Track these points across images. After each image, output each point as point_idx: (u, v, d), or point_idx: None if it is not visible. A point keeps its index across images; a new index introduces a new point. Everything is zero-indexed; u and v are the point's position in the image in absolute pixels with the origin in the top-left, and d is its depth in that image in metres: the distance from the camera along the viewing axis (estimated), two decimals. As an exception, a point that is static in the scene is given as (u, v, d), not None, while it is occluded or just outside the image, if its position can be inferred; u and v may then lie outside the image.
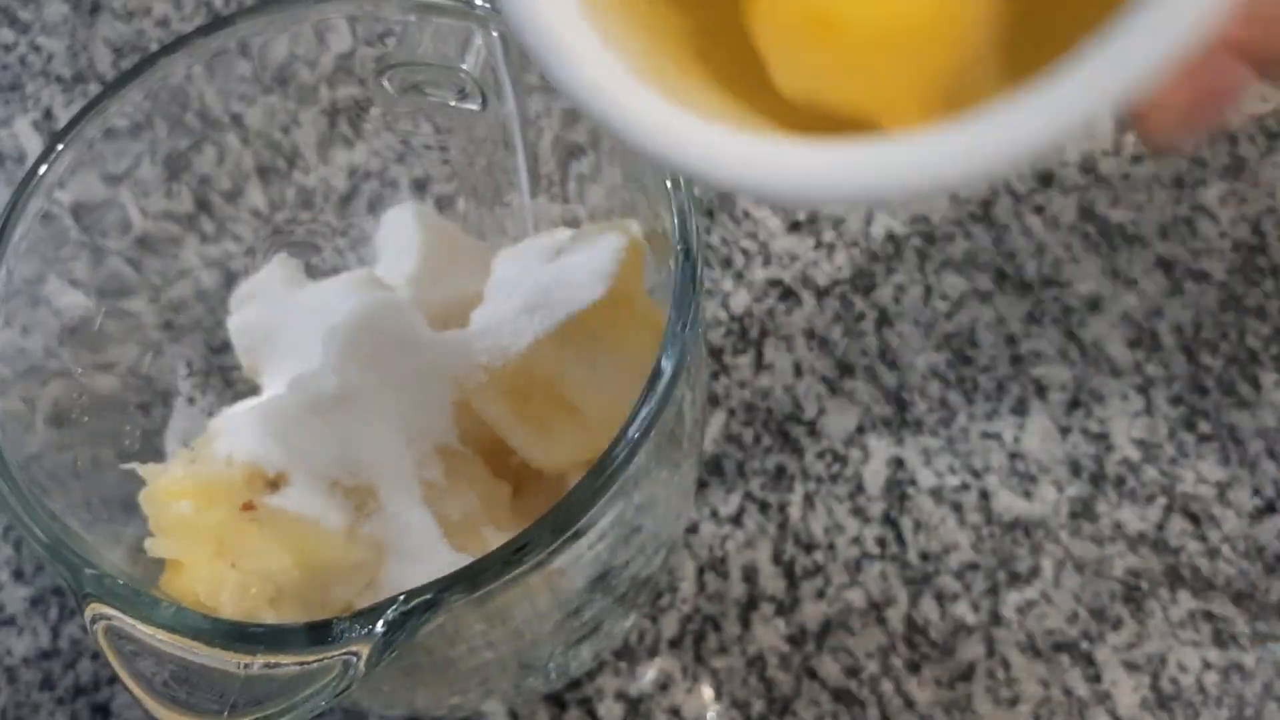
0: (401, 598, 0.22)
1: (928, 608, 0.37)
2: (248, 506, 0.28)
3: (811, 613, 0.37)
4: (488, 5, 0.30)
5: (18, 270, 0.28)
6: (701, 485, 0.39)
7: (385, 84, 0.32)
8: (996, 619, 0.36)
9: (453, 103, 0.32)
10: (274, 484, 0.29)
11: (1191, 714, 0.35)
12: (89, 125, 0.30)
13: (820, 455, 0.39)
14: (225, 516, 0.28)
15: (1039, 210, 0.43)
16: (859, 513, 0.38)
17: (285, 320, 0.33)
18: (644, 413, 0.24)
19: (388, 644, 0.22)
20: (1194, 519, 0.38)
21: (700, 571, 0.38)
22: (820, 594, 0.37)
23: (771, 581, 0.37)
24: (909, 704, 0.35)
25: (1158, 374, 0.40)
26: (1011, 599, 0.37)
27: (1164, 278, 0.42)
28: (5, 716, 0.36)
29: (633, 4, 0.20)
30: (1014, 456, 0.39)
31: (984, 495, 0.38)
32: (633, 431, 0.24)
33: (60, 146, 0.29)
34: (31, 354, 0.29)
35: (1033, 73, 0.16)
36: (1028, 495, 0.38)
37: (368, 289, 0.33)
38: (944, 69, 0.18)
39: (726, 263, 0.43)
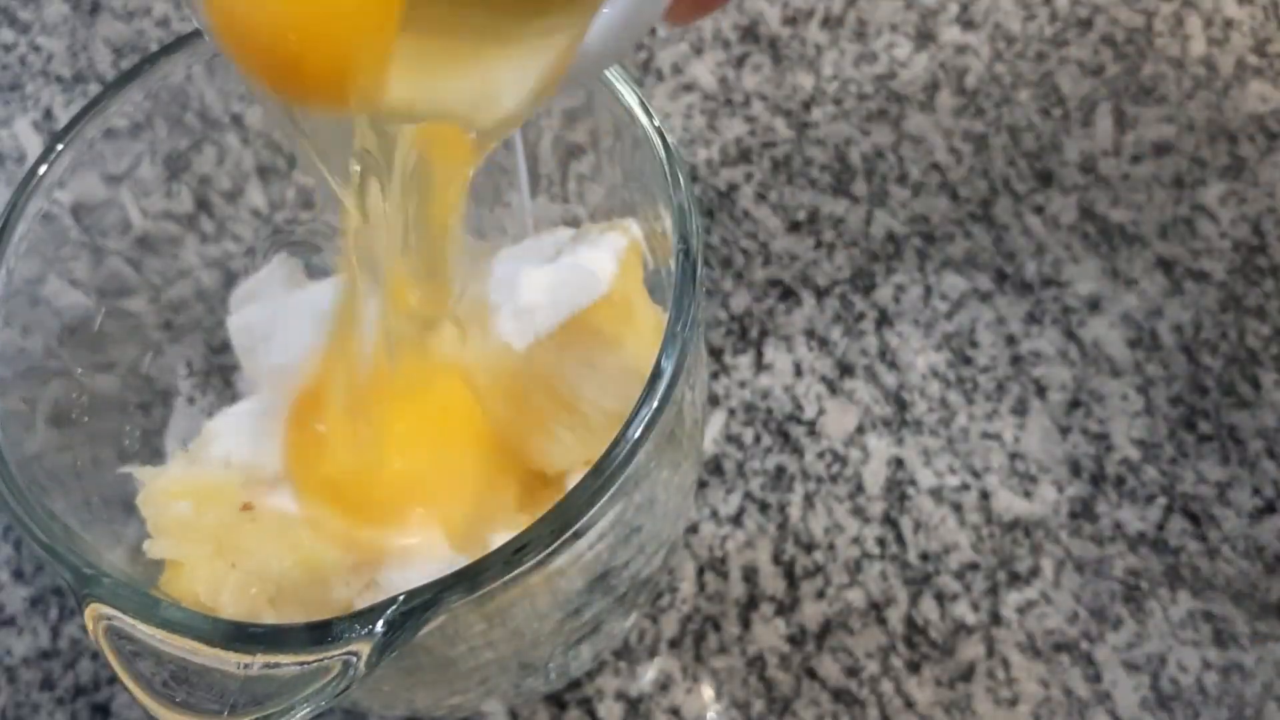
0: (401, 598, 0.22)
1: (928, 608, 0.37)
2: (246, 507, 0.28)
3: (811, 613, 0.37)
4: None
5: (18, 270, 0.28)
6: (701, 485, 0.39)
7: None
8: (996, 619, 0.36)
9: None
10: (273, 484, 0.29)
11: (1191, 714, 0.35)
12: (89, 125, 0.29)
13: (820, 455, 0.39)
14: (224, 517, 0.28)
15: (1039, 210, 0.43)
16: (859, 513, 0.38)
17: (285, 321, 0.33)
18: (644, 413, 0.24)
19: (388, 644, 0.22)
20: (1194, 519, 0.38)
21: (700, 571, 0.38)
22: (820, 594, 0.37)
23: (771, 581, 0.37)
24: (909, 704, 0.35)
25: (1158, 374, 0.40)
26: (1011, 599, 0.37)
27: (1164, 278, 0.42)
28: (5, 716, 0.36)
29: None
30: (1014, 456, 0.39)
31: (984, 495, 0.38)
32: (633, 431, 0.24)
33: (60, 146, 0.29)
34: (31, 354, 0.29)
35: None
36: (1028, 495, 0.38)
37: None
38: None
39: (726, 263, 0.43)
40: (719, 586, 0.37)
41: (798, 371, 0.41)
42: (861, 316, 0.42)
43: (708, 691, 0.36)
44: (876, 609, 0.37)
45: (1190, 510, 0.38)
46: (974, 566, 0.37)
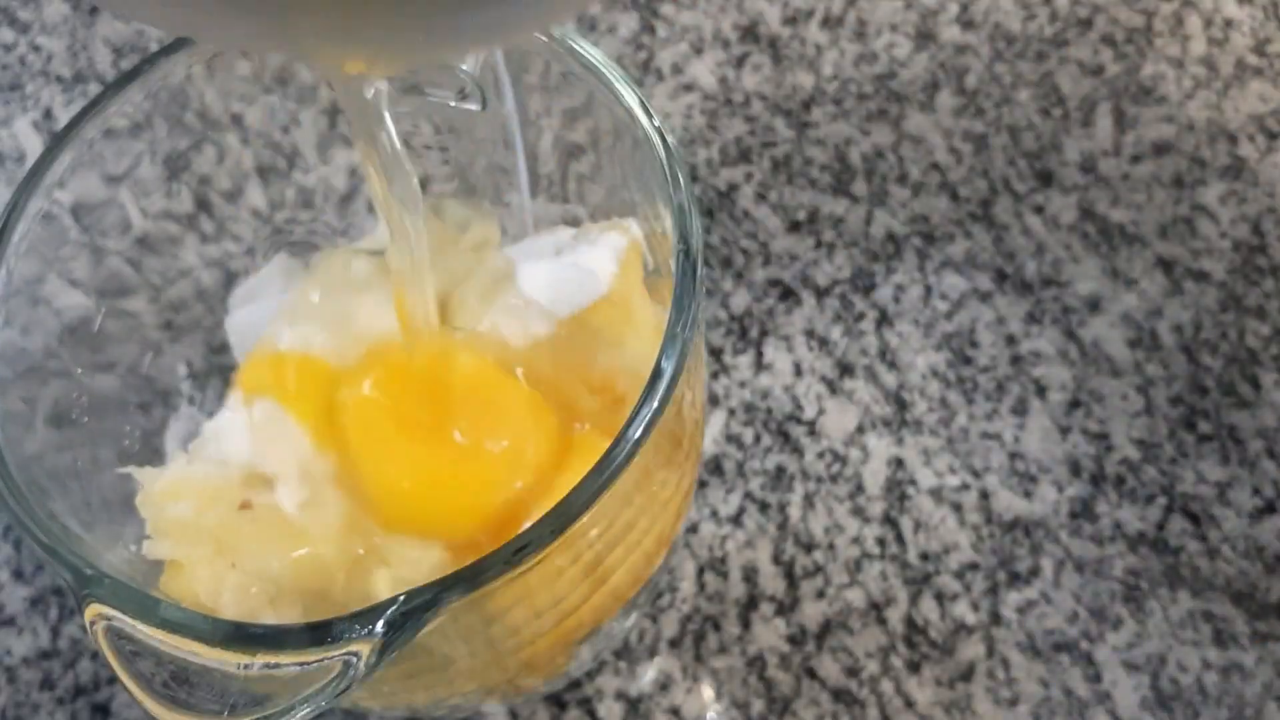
0: (401, 598, 0.22)
1: (928, 608, 0.37)
2: (245, 506, 0.28)
3: (811, 613, 0.37)
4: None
5: (18, 270, 0.28)
6: (701, 485, 0.39)
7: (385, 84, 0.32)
8: (996, 619, 0.36)
9: (453, 103, 0.32)
10: (271, 483, 0.29)
11: (1191, 714, 0.35)
12: (89, 125, 0.29)
13: (820, 455, 0.39)
14: (224, 517, 0.28)
15: (1039, 210, 0.43)
16: (859, 513, 0.38)
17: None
18: (644, 413, 0.24)
19: (388, 644, 0.22)
20: (1194, 519, 0.38)
21: (700, 571, 0.38)
22: (820, 594, 0.37)
23: (771, 581, 0.37)
24: (909, 704, 0.35)
25: (1158, 374, 0.40)
26: (1011, 599, 0.37)
27: (1164, 278, 0.42)
28: (5, 716, 0.36)
29: None
30: (1014, 456, 0.39)
31: (984, 495, 0.38)
32: (633, 431, 0.24)
33: (60, 146, 0.29)
34: (31, 354, 0.29)
35: None
36: (1028, 495, 0.38)
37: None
38: None
39: (726, 263, 0.43)
40: (719, 586, 0.37)
41: (798, 371, 0.41)
42: (861, 316, 0.42)
43: (708, 691, 0.36)
44: (876, 609, 0.37)
45: (1190, 510, 0.38)
46: (974, 566, 0.37)
